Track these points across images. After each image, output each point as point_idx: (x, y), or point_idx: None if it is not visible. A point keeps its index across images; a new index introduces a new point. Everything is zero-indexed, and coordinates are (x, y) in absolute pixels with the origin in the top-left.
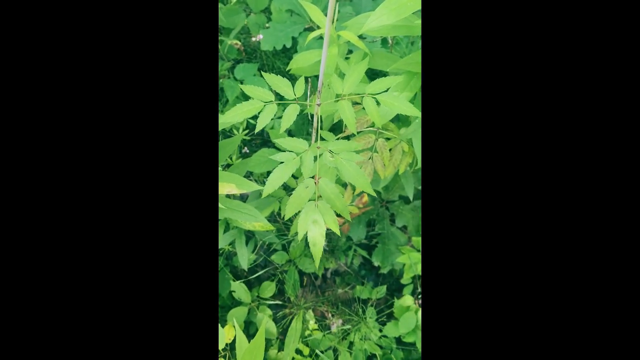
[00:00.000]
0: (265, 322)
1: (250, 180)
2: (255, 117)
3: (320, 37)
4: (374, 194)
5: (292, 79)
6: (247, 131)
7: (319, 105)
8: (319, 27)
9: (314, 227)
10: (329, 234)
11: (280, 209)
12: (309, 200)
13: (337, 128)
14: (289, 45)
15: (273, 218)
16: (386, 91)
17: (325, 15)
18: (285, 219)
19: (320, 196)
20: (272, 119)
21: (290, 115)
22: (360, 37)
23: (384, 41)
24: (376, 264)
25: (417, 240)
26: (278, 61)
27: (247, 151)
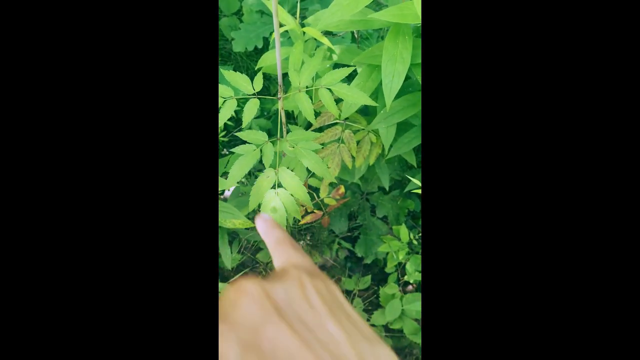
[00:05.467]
0: None
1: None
2: (233, 119)
3: (289, 36)
4: (335, 181)
5: (266, 78)
6: (224, 132)
7: (280, 99)
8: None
9: (274, 214)
10: (312, 229)
11: (260, 208)
12: (271, 189)
13: (312, 124)
14: (260, 45)
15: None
16: (350, 81)
17: (291, 15)
18: (249, 210)
19: (281, 185)
20: (250, 120)
21: (251, 110)
22: (329, 33)
23: (353, 37)
24: (360, 254)
25: (397, 229)
26: (252, 63)
27: (227, 153)
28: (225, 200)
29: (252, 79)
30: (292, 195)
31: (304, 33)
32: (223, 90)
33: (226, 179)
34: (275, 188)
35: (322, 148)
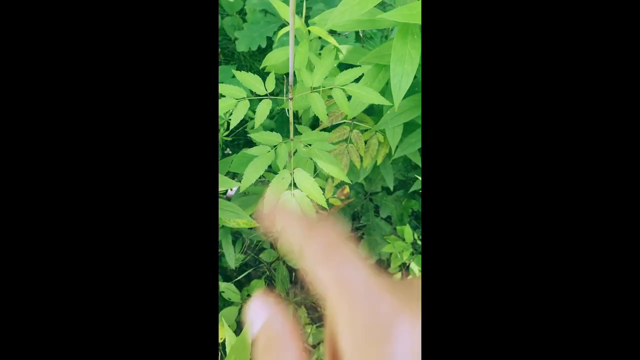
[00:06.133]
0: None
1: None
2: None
3: (294, 35)
4: (349, 181)
5: (275, 79)
6: (228, 132)
7: (290, 99)
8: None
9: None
10: None
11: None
12: (286, 191)
13: (317, 123)
14: (264, 45)
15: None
16: (357, 81)
17: (297, 14)
18: (265, 212)
19: (297, 186)
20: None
21: (263, 111)
22: (334, 32)
23: (357, 36)
24: (363, 255)
25: (401, 229)
26: (256, 62)
27: (230, 152)
28: (228, 199)
29: (263, 79)
30: (307, 196)
31: (309, 32)
32: (235, 91)
33: (231, 177)
34: (290, 189)
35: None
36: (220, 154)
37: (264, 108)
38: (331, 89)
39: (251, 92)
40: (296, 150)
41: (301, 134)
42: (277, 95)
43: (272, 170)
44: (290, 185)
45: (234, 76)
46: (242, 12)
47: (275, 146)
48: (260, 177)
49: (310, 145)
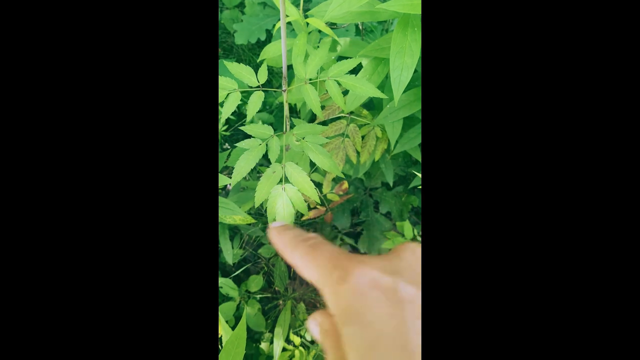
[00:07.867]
0: (252, 312)
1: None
2: (234, 113)
3: (292, 28)
4: (342, 176)
5: (272, 71)
6: (226, 126)
7: (284, 91)
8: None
9: (282, 210)
10: (315, 224)
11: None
12: (277, 185)
13: (315, 117)
14: (263, 38)
15: (258, 212)
16: (355, 74)
17: (295, 6)
18: (256, 206)
19: (288, 180)
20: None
21: (255, 103)
22: (333, 25)
23: (357, 29)
24: (362, 250)
25: (401, 225)
26: (255, 56)
27: (228, 147)
28: (227, 194)
29: (256, 71)
30: (299, 191)
31: (307, 24)
32: (226, 82)
33: (226, 174)
34: (282, 183)
35: (326, 142)
36: (219, 149)
37: (256, 100)
38: (324, 80)
39: (248, 86)
40: (286, 142)
41: (295, 125)
42: (277, 88)
43: (269, 164)
44: (281, 179)
45: None
46: (240, 6)
47: (265, 139)
48: (257, 171)
49: (303, 138)
